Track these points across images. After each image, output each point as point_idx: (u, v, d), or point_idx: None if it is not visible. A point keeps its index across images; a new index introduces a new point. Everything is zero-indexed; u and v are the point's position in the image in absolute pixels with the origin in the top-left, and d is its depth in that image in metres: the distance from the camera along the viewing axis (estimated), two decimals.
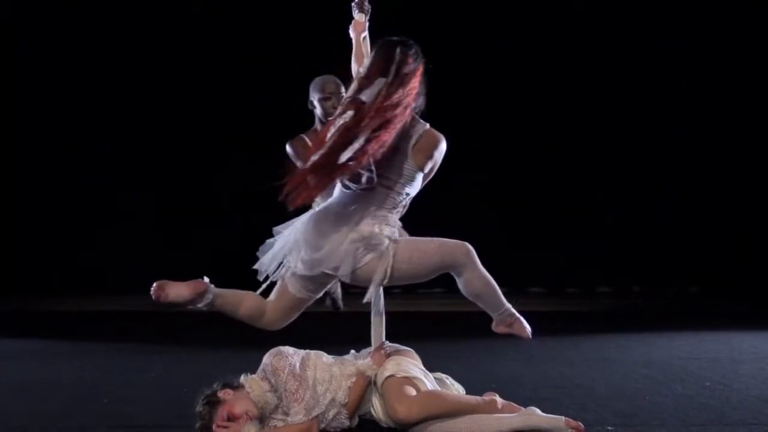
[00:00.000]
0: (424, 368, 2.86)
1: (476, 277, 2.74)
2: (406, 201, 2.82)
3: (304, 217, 2.83)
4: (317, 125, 3.53)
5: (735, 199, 7.39)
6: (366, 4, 3.12)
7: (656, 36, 7.33)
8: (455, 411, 2.62)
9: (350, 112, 2.50)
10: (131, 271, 7.39)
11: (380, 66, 2.58)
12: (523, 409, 2.72)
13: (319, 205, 2.98)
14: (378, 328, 3.12)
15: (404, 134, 2.67)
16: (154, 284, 2.70)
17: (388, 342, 3.00)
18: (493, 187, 7.41)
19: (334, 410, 2.67)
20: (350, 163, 2.49)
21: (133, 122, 7.56)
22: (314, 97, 3.47)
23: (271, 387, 2.66)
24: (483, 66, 7.18)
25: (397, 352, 2.87)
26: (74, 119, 7.59)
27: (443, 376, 2.96)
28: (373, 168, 2.58)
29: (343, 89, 3.45)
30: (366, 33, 3.09)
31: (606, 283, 7.74)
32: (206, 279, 2.78)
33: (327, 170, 2.52)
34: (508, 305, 2.85)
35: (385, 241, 2.67)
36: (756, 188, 7.37)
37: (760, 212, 7.28)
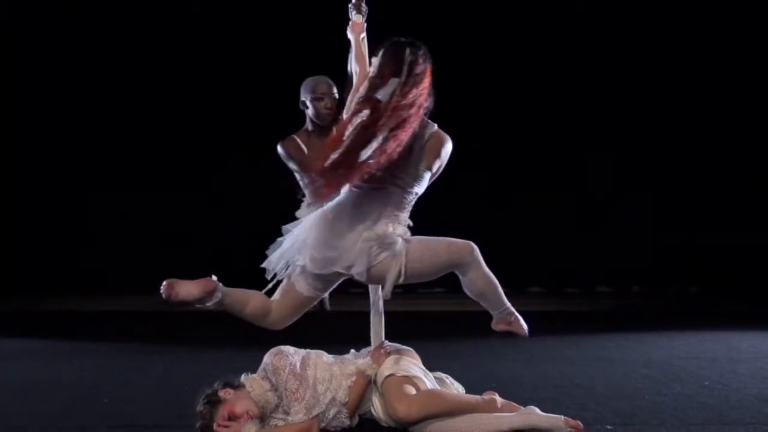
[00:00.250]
0: (423, 367, 2.87)
1: (480, 276, 2.80)
2: (414, 200, 2.84)
3: (313, 216, 2.84)
4: (308, 125, 3.53)
5: (735, 199, 7.40)
6: (363, 5, 3.14)
7: (656, 36, 7.34)
8: (455, 410, 2.62)
9: (366, 111, 2.52)
10: (131, 271, 7.42)
11: (392, 66, 2.59)
12: (522, 408, 2.72)
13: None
14: (377, 327, 3.13)
15: (416, 134, 2.70)
16: (164, 283, 2.68)
17: (387, 341, 3.01)
18: (492, 186, 7.42)
19: (334, 409, 2.68)
20: (370, 161, 2.52)
21: (133, 122, 7.57)
22: (306, 98, 3.47)
23: (271, 386, 2.66)
24: (483, 66, 7.19)
25: (397, 351, 2.88)
26: (74, 119, 7.59)
27: (443, 375, 2.97)
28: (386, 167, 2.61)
29: (335, 90, 3.46)
30: (364, 34, 3.12)
31: (606, 283, 7.74)
32: (214, 277, 2.77)
33: (347, 168, 2.54)
34: (509, 304, 2.90)
35: (398, 241, 2.71)
36: (755, 188, 7.37)
37: (760, 212, 7.29)
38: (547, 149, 7.51)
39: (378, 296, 3.16)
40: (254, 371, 2.74)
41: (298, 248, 2.79)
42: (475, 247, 2.78)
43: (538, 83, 7.40)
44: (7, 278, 7.55)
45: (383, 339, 3.09)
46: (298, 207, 3.41)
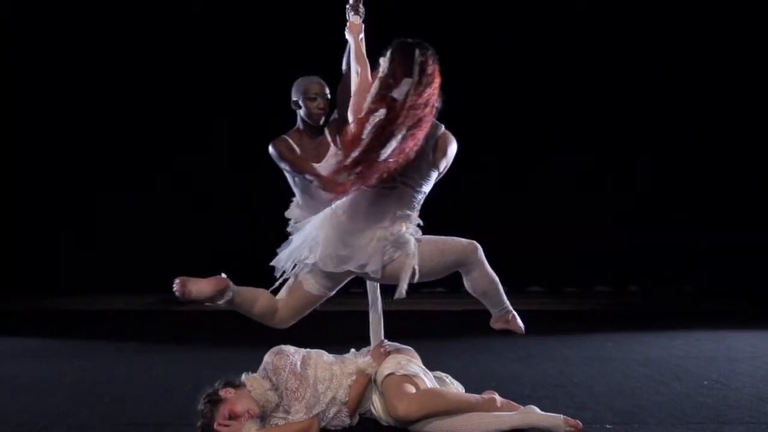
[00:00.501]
0: (423, 366, 2.88)
1: (484, 275, 2.87)
2: (422, 199, 2.87)
3: (323, 214, 2.85)
4: (299, 125, 3.54)
5: (734, 199, 7.40)
6: (361, 6, 3.15)
7: (656, 36, 7.34)
8: (454, 409, 2.64)
9: (383, 110, 2.54)
10: (131, 271, 7.42)
11: (404, 67, 2.61)
12: (522, 407, 2.74)
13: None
14: (376, 327, 3.14)
15: (427, 134, 2.73)
16: (177, 280, 2.67)
17: (387, 341, 3.02)
18: (492, 186, 7.42)
19: (334, 408, 2.69)
20: (390, 160, 2.56)
21: (133, 122, 7.56)
22: (298, 98, 3.48)
23: (272, 386, 2.67)
24: (483, 66, 7.19)
25: (396, 350, 2.89)
26: (74, 119, 7.58)
27: (443, 374, 2.98)
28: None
29: (327, 90, 3.47)
30: (363, 35, 3.13)
31: (604, 282, 7.75)
32: (223, 275, 2.77)
33: (367, 167, 2.56)
34: (508, 302, 2.96)
35: (411, 240, 2.74)
36: (755, 188, 7.38)
37: (759, 212, 7.30)
38: (546, 149, 7.51)
39: (376, 296, 3.17)
40: (255, 371, 2.75)
41: (308, 246, 2.80)
42: (479, 246, 2.85)
43: (538, 83, 7.39)
44: (7, 278, 7.55)
45: (382, 338, 3.10)
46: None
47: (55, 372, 3.89)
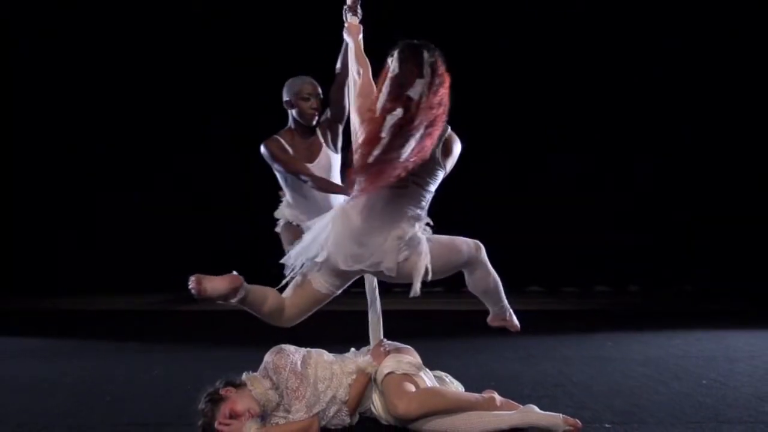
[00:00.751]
0: (423, 366, 2.89)
1: (487, 274, 2.92)
2: (430, 199, 2.89)
3: (333, 213, 2.85)
4: (291, 125, 3.55)
5: (734, 199, 7.41)
6: (358, 7, 3.16)
7: (656, 36, 7.34)
8: (454, 407, 2.64)
9: (400, 110, 2.55)
10: (131, 271, 7.42)
11: (414, 68, 2.61)
12: (521, 406, 2.75)
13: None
14: (375, 326, 3.15)
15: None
16: (192, 278, 2.65)
17: (386, 340, 3.03)
18: (492, 186, 7.42)
19: (334, 407, 2.70)
20: (411, 159, 2.59)
21: (133, 122, 7.56)
22: (292, 98, 3.49)
23: (272, 385, 2.68)
24: (483, 66, 7.19)
25: (396, 349, 2.90)
26: (74, 119, 7.59)
27: (442, 374, 2.99)
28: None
29: (320, 90, 3.48)
30: (361, 35, 3.15)
31: (604, 282, 7.75)
32: (235, 273, 2.76)
33: (388, 165, 2.58)
34: (506, 301, 3.02)
35: (423, 239, 2.77)
36: (754, 188, 7.39)
37: (759, 212, 7.30)
38: (546, 149, 7.51)
39: (375, 297, 3.18)
40: (255, 370, 2.76)
41: (321, 245, 2.80)
42: (482, 246, 2.89)
43: (538, 83, 7.40)
44: (7, 278, 7.56)
45: (382, 337, 3.11)
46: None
47: (55, 372, 3.90)
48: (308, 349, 2.86)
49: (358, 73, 3.05)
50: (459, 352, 4.31)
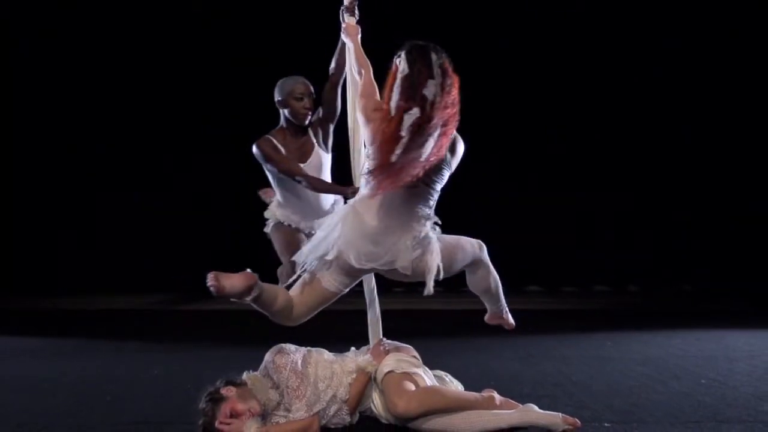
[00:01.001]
0: (423, 365, 2.89)
1: (488, 274, 2.96)
2: (437, 198, 2.90)
3: (344, 211, 2.84)
4: (283, 124, 3.56)
5: (733, 199, 7.41)
6: (356, 8, 3.17)
7: (656, 36, 7.35)
8: (454, 406, 2.65)
9: (416, 109, 2.56)
10: (131, 271, 7.43)
11: (423, 68, 2.61)
12: (521, 405, 2.75)
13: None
14: (375, 326, 3.15)
15: None
16: (210, 275, 2.61)
17: (386, 339, 3.03)
18: (491, 186, 7.42)
19: (335, 406, 2.70)
20: (432, 158, 2.61)
21: (133, 122, 7.57)
22: (284, 97, 3.50)
23: (273, 384, 2.69)
24: (483, 66, 7.19)
25: (396, 348, 2.90)
26: (74, 119, 7.59)
27: (442, 373, 3.00)
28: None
29: (312, 89, 3.49)
30: (360, 35, 3.16)
31: (604, 282, 7.76)
32: (249, 270, 2.72)
33: (411, 164, 2.59)
34: (504, 301, 3.08)
35: (434, 238, 2.79)
36: (754, 187, 7.39)
37: (758, 212, 7.30)
38: (546, 149, 7.52)
39: (374, 297, 3.19)
40: (256, 369, 2.76)
41: (331, 243, 2.79)
42: (484, 246, 2.94)
43: (538, 83, 7.40)
44: (7, 278, 7.56)
45: (381, 337, 3.11)
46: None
47: (55, 372, 3.90)
48: (308, 348, 2.87)
49: (359, 74, 3.04)
50: (459, 351, 4.31)
